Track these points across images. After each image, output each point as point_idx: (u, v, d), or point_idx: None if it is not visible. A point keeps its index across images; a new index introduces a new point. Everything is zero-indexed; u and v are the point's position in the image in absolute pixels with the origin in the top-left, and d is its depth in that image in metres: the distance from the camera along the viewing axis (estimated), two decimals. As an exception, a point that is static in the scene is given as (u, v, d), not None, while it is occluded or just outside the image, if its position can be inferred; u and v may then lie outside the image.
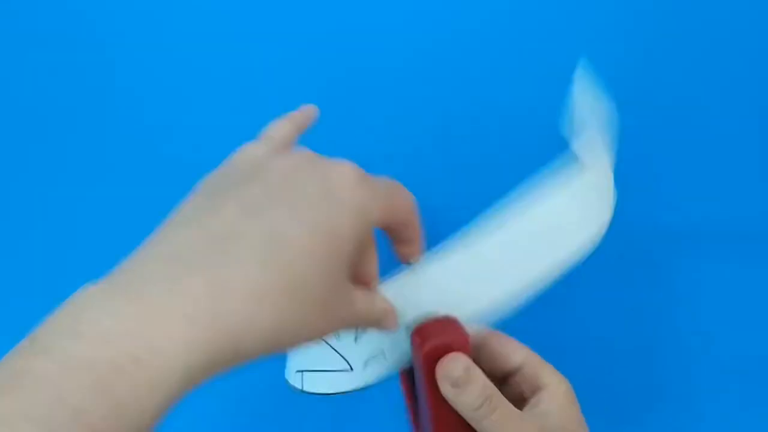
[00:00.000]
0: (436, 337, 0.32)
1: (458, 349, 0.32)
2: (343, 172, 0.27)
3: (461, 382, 0.31)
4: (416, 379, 0.34)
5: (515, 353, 0.35)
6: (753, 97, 0.50)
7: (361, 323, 0.30)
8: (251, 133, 0.52)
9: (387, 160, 0.50)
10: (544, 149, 0.50)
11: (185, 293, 0.21)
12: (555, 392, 0.34)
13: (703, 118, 0.50)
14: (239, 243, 0.23)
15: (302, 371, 0.35)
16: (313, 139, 0.35)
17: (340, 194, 0.26)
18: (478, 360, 0.33)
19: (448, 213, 0.50)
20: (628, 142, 0.49)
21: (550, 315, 0.48)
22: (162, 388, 0.20)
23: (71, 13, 0.52)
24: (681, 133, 0.50)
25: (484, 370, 0.32)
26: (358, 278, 0.30)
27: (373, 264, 0.30)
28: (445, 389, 0.32)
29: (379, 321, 0.31)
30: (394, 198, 0.29)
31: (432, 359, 0.32)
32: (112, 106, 0.52)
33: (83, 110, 0.52)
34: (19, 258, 0.51)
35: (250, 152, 0.29)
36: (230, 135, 0.50)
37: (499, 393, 0.32)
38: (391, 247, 0.35)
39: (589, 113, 0.38)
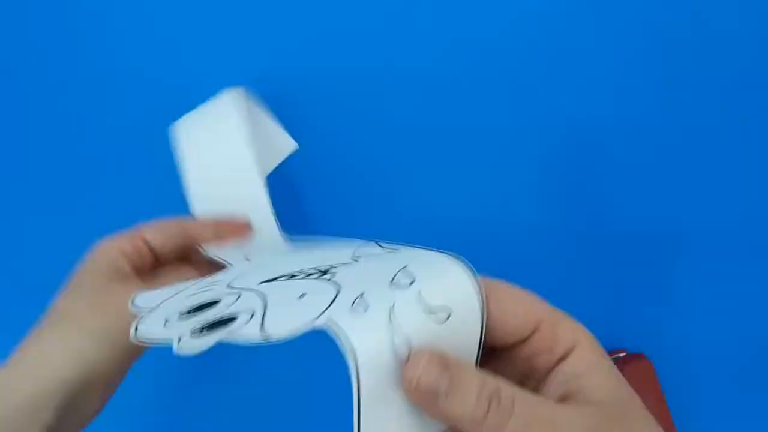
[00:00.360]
0: None
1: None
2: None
3: (443, 391, 0.22)
4: None
5: (524, 309, 0.25)
6: (751, 98, 0.50)
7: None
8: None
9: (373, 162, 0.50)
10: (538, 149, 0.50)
11: None
12: (584, 351, 0.24)
13: (701, 119, 0.50)
14: (39, 326, 0.34)
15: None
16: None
17: (79, 266, 0.36)
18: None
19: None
20: (625, 143, 0.50)
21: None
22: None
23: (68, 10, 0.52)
24: (679, 134, 0.50)
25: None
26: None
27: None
28: (430, 409, 0.22)
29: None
30: (140, 230, 0.38)
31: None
32: (111, 107, 0.52)
33: (80, 109, 0.52)
34: (19, 257, 0.51)
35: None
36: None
37: (508, 384, 0.22)
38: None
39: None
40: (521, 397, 0.22)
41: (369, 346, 0.22)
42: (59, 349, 0.32)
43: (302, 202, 0.51)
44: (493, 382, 0.22)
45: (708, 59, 0.50)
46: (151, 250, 0.37)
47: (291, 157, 0.45)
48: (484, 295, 0.24)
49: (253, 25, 0.50)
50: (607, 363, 0.24)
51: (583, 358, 0.24)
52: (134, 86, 0.51)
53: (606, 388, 0.23)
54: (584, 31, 0.50)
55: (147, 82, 0.51)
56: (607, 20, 0.50)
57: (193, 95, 0.49)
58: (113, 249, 0.36)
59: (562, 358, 0.24)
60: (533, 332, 0.25)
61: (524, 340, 0.25)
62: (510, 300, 0.25)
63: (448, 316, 0.23)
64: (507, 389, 0.22)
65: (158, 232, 0.38)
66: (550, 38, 0.50)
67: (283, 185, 0.50)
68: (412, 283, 0.24)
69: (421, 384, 0.21)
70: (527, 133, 0.50)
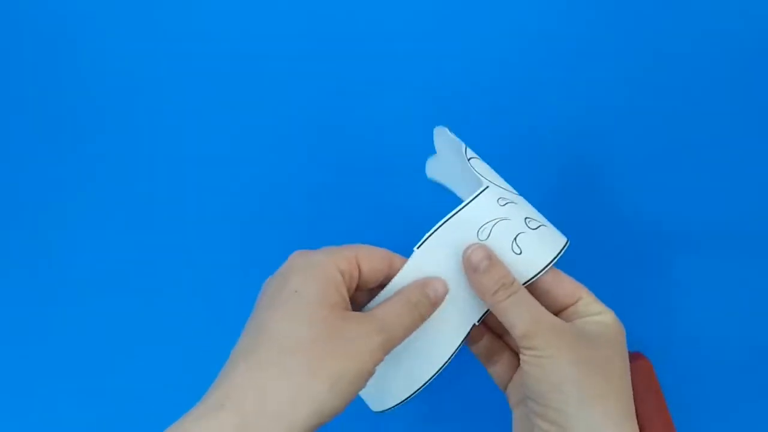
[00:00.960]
0: None
1: None
2: (295, 257, 0.33)
3: (482, 268, 0.34)
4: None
5: (570, 287, 0.36)
6: (750, 98, 0.50)
7: (391, 332, 0.32)
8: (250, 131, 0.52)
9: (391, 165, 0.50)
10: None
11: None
12: (607, 322, 0.35)
13: (699, 119, 0.50)
14: (234, 357, 0.30)
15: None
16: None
17: (291, 269, 0.32)
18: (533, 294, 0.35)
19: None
20: (623, 143, 0.50)
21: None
22: None
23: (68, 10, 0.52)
24: (676, 134, 0.50)
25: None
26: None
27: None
28: (469, 275, 0.34)
29: (420, 301, 0.34)
30: (356, 248, 0.34)
31: None
32: (110, 106, 0.52)
33: (79, 109, 0.52)
34: (19, 257, 0.51)
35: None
36: (229, 134, 0.51)
37: (522, 287, 0.34)
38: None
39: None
40: (523, 292, 0.34)
41: (486, 204, 0.36)
42: (292, 394, 0.27)
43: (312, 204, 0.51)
44: (511, 278, 0.34)
45: (709, 59, 0.50)
46: (360, 275, 0.34)
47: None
48: (559, 255, 0.36)
49: (261, 22, 0.51)
50: (619, 334, 0.36)
51: (604, 322, 0.35)
52: (132, 86, 0.51)
53: (608, 339, 0.35)
54: (590, 29, 0.50)
55: (148, 83, 0.51)
56: (614, 20, 0.50)
57: (190, 94, 0.49)
58: (332, 266, 0.31)
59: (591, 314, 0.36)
60: (575, 302, 0.36)
61: (566, 308, 0.36)
62: (565, 277, 0.37)
63: (538, 229, 0.37)
64: (518, 286, 0.34)
65: (370, 257, 0.34)
66: (555, 38, 0.50)
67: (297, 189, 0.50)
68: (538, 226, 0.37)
69: (471, 258, 0.34)
70: (529, 133, 0.50)
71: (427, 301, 0.34)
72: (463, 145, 0.39)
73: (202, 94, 0.51)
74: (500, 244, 0.35)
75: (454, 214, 0.35)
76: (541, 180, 0.49)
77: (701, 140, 0.49)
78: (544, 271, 0.35)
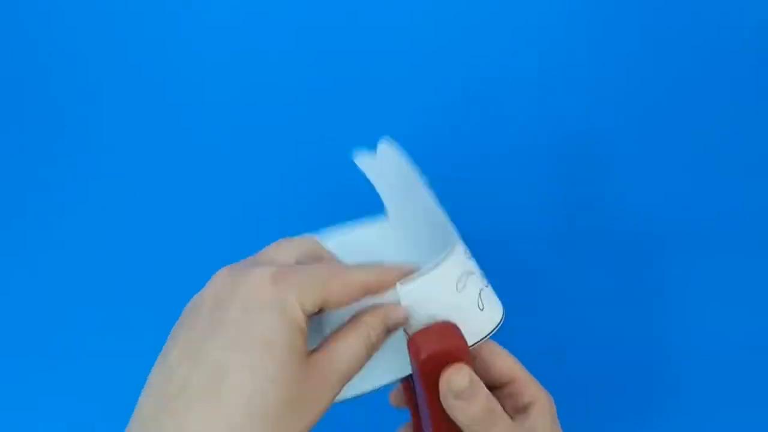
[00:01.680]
0: (434, 344, 0.30)
1: (457, 357, 0.30)
2: (254, 281, 0.27)
3: (465, 395, 0.30)
4: (415, 386, 0.33)
5: (507, 365, 0.34)
6: (746, 100, 0.50)
7: (349, 374, 0.29)
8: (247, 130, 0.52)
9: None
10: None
11: None
12: (543, 408, 0.33)
13: (697, 120, 0.50)
14: (184, 398, 0.24)
15: None
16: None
17: (257, 303, 0.26)
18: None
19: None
20: (620, 144, 0.50)
21: (546, 315, 0.49)
22: None
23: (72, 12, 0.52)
24: (672, 135, 0.50)
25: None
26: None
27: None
28: (448, 401, 0.30)
29: (364, 353, 0.29)
30: (327, 282, 0.28)
31: (430, 367, 0.30)
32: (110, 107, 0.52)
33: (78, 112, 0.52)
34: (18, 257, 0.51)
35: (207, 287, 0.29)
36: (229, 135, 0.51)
37: (500, 407, 0.31)
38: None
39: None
40: (504, 417, 0.31)
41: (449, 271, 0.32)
42: None
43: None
44: (494, 401, 0.31)
45: (701, 63, 0.50)
46: (323, 305, 0.28)
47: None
48: (497, 327, 0.34)
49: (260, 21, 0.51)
50: (553, 417, 0.34)
51: (541, 409, 0.33)
52: (131, 86, 0.51)
53: (546, 429, 0.33)
54: (587, 32, 0.50)
55: (147, 81, 0.52)
56: (611, 22, 0.50)
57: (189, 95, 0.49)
58: (299, 309, 0.27)
59: (528, 405, 0.33)
60: (509, 382, 0.34)
61: (502, 386, 0.34)
62: (502, 353, 0.35)
63: (489, 285, 0.34)
64: (500, 409, 0.31)
65: (343, 290, 0.29)
66: (553, 40, 0.50)
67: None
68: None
69: (456, 387, 0.30)
70: (529, 135, 0.50)
71: (384, 335, 0.30)
72: (415, 173, 0.36)
73: (197, 91, 0.51)
74: (471, 298, 0.33)
75: (436, 266, 0.32)
76: (541, 181, 0.49)
77: (693, 142, 0.50)
78: (492, 332, 0.33)
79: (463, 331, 0.32)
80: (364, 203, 0.50)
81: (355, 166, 0.41)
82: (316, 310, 0.28)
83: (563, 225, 0.49)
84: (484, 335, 0.33)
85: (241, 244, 0.49)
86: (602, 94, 0.50)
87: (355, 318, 0.30)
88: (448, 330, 0.31)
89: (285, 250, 0.31)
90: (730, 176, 0.50)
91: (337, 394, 0.28)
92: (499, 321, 0.34)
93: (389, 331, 0.30)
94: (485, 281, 0.34)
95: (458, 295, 0.32)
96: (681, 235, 0.49)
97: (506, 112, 0.50)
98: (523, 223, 0.49)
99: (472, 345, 0.32)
